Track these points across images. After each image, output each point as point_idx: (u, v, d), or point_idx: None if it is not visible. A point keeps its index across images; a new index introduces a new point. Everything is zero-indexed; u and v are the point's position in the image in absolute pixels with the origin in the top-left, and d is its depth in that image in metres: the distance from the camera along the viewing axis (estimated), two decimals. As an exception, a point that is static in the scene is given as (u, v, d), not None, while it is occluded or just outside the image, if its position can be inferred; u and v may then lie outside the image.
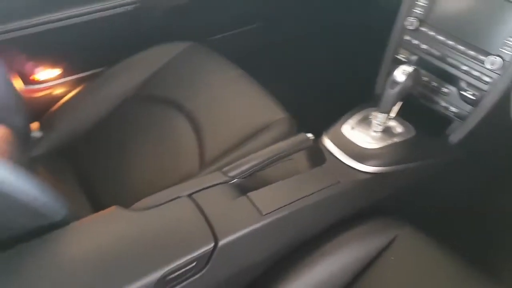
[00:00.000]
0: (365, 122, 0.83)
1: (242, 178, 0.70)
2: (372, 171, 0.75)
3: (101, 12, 0.98)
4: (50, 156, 0.91)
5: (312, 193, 0.68)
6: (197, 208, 0.60)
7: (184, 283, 0.55)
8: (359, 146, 0.78)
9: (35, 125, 0.94)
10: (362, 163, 0.76)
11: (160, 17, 1.09)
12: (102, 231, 0.57)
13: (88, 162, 0.90)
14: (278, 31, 1.37)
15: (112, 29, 1.04)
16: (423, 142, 0.81)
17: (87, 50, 1.05)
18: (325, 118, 0.84)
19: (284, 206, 0.64)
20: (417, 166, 0.80)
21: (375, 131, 0.80)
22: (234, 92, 0.94)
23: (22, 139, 0.85)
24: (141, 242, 0.55)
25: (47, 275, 0.51)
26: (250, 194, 0.65)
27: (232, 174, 0.69)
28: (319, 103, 1.19)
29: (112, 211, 0.59)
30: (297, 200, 0.66)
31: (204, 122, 0.90)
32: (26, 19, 0.91)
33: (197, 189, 0.64)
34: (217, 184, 0.65)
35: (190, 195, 0.62)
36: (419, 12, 0.81)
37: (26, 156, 0.89)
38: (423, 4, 0.81)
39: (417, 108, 0.83)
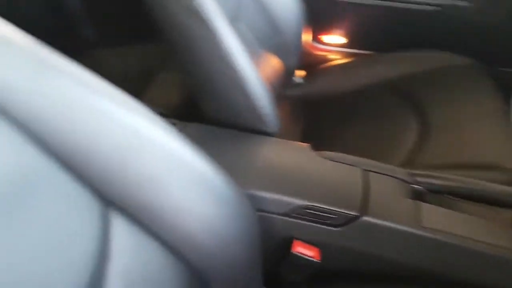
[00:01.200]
0: None
1: (427, 190, 0.67)
2: None
3: (400, 3, 1.05)
4: (297, 100, 1.09)
5: (487, 243, 0.59)
6: (364, 182, 0.63)
7: (317, 225, 0.61)
8: None
9: (301, 73, 1.13)
10: None
11: (455, 26, 1.08)
12: (288, 154, 0.69)
13: (319, 116, 1.04)
14: None
15: (399, 22, 1.10)
16: None
17: (374, 34, 1.15)
18: None
19: (449, 233, 0.59)
20: None
21: None
22: (482, 121, 0.87)
23: (286, 77, 1.05)
24: (307, 174, 0.64)
25: (235, 158, 0.67)
26: (423, 204, 0.63)
27: (419, 179, 0.67)
28: None
29: (304, 146, 0.71)
30: (465, 237, 0.59)
31: (434, 131, 0.88)
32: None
33: (376, 170, 0.66)
34: (397, 178, 0.66)
35: (366, 170, 0.66)
36: None
37: (281, 92, 1.09)
38: None
39: None
